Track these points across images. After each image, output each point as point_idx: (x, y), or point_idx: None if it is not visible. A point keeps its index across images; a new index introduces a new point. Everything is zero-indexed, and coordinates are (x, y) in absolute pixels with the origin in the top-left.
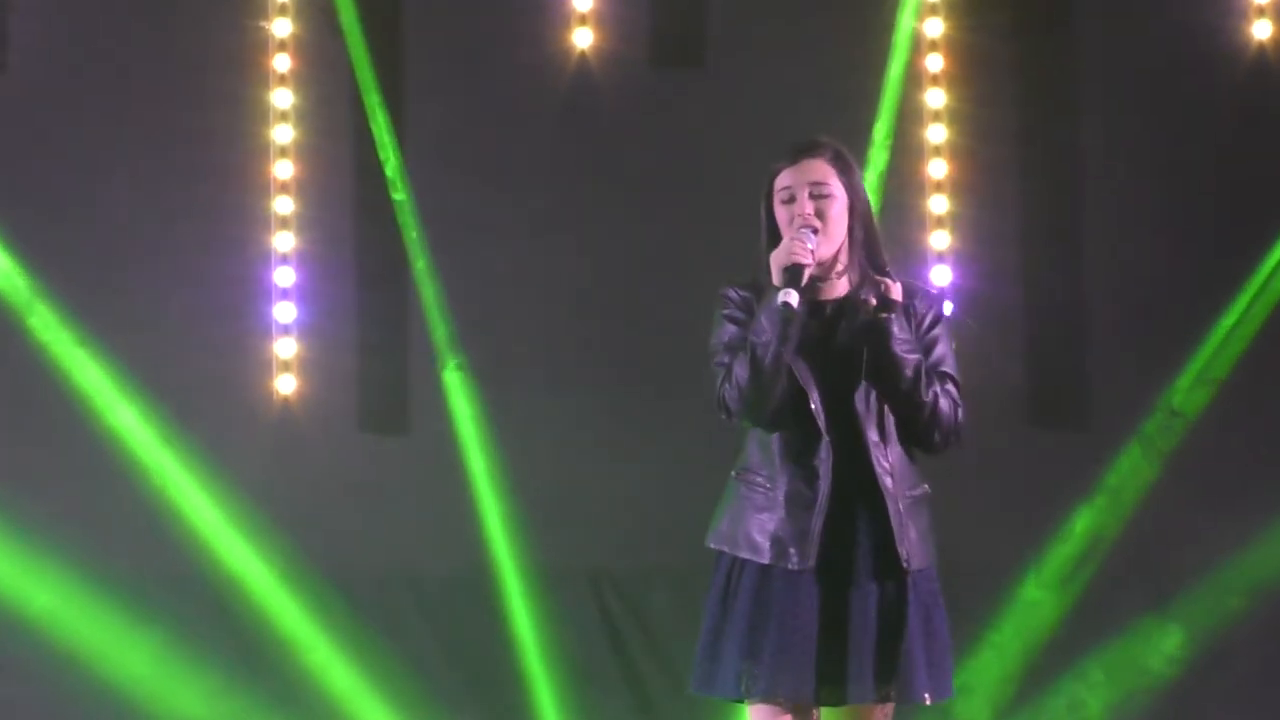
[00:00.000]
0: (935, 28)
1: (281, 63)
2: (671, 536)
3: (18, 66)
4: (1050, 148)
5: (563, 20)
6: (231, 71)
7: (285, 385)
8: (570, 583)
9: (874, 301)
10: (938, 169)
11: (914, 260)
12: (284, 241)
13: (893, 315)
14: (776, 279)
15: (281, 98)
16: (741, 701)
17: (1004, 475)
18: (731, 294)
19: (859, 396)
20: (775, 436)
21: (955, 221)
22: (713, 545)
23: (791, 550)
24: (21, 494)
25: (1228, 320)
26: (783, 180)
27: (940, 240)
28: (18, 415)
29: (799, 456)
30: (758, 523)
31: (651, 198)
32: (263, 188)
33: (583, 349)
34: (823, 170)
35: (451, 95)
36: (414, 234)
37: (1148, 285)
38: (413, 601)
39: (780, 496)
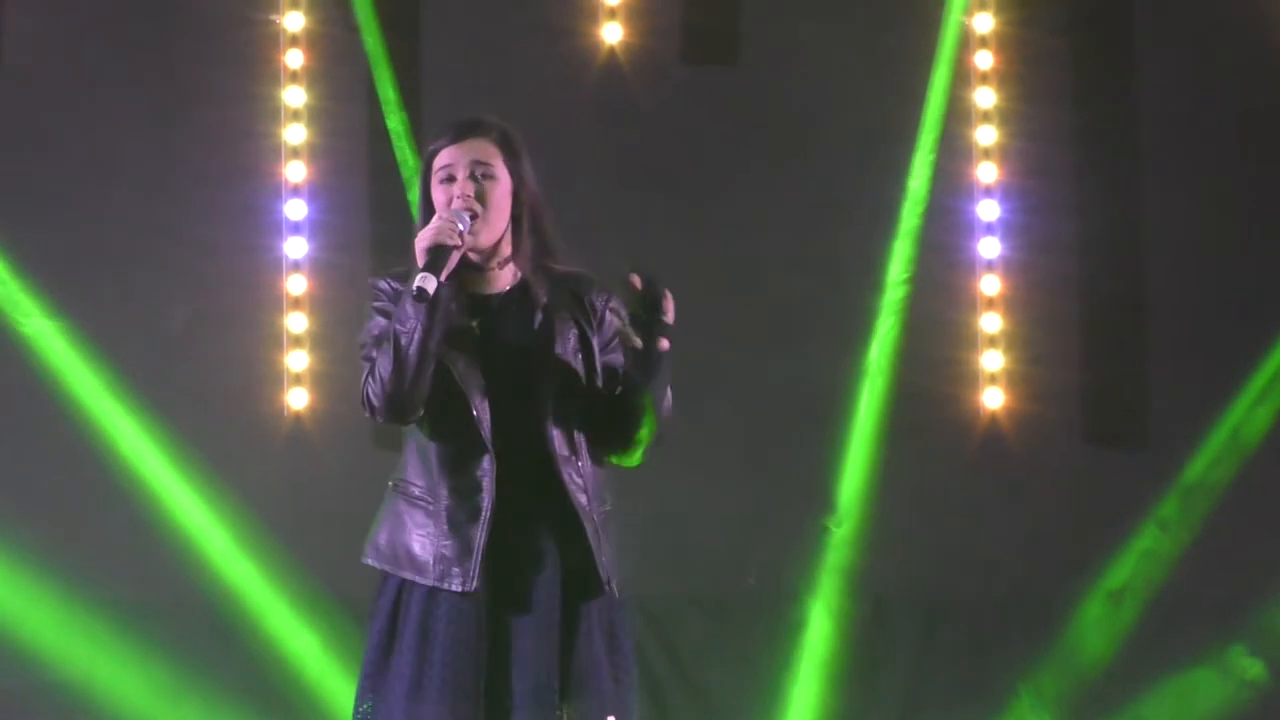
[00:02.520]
0: (985, 23)
1: (294, 59)
2: (702, 561)
3: (13, 60)
4: (1107, 150)
5: (590, 14)
6: (240, 68)
7: (297, 399)
8: None
9: (635, 339)
10: (987, 172)
11: (960, 268)
12: (296, 247)
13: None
14: (419, 261)
15: (293, 96)
16: None
17: (1058, 495)
18: (382, 284)
19: (544, 404)
20: (434, 444)
21: (1005, 228)
22: (371, 563)
23: (455, 570)
24: (16, 514)
25: None
26: (443, 159)
27: (989, 248)
28: (11, 429)
29: (461, 467)
30: (418, 539)
31: (682, 201)
32: (274, 191)
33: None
34: (487, 150)
35: (473, 93)
36: None
37: (1211, 296)
38: None
39: (441, 511)
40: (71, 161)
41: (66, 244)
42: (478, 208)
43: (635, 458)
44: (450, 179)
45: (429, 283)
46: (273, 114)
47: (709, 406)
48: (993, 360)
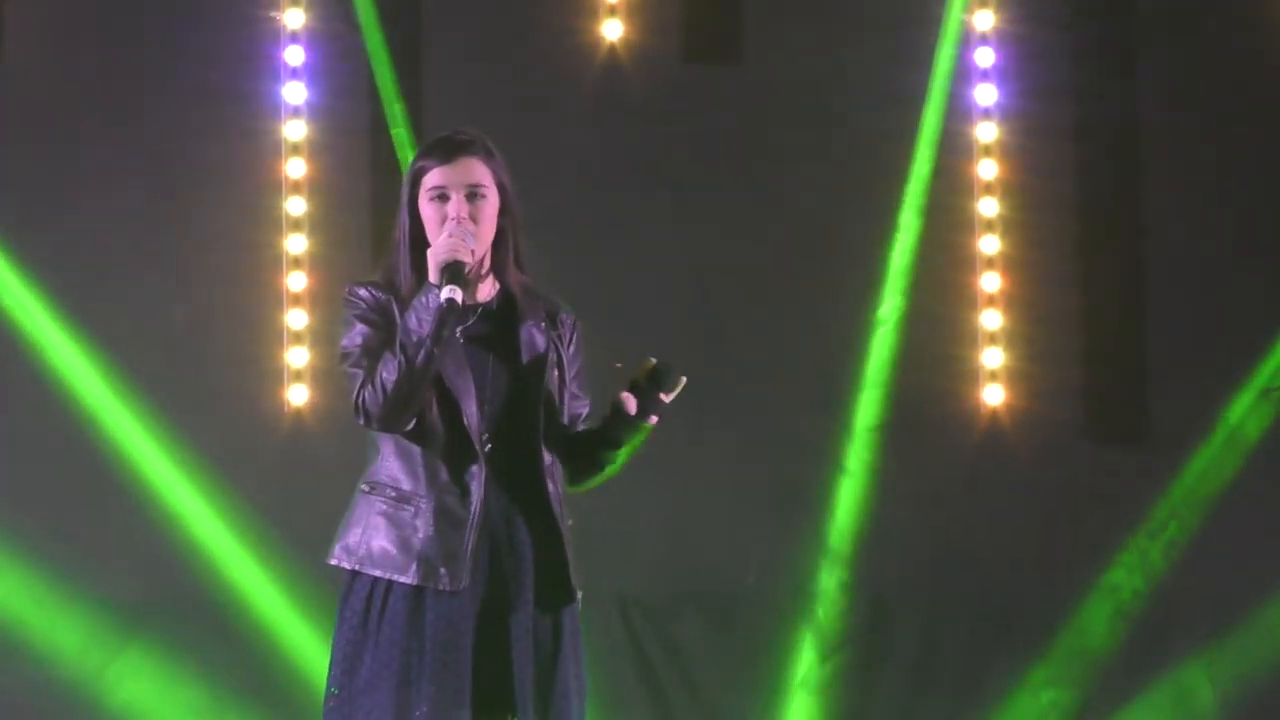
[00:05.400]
0: (985, 20)
1: (294, 55)
2: (702, 561)
3: (14, 58)
4: (1108, 146)
5: (591, 11)
6: (240, 65)
7: (297, 396)
8: (596, 607)
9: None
10: (987, 169)
11: (961, 265)
12: (296, 244)
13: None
14: (435, 276)
15: (294, 92)
16: None
17: (1058, 492)
18: (363, 293)
19: (530, 412)
20: (420, 448)
21: (1005, 225)
22: (342, 564)
23: (442, 570)
24: (17, 511)
25: None
26: (435, 179)
27: (989, 245)
28: (12, 426)
29: (449, 469)
30: (399, 539)
31: (683, 200)
32: (274, 187)
33: (610, 359)
34: (479, 171)
35: (473, 90)
36: None
37: (1211, 292)
38: None
39: (427, 512)
40: (72, 158)
41: (67, 240)
42: (473, 227)
43: (575, 490)
44: (443, 198)
45: (457, 294)
46: (273, 110)
47: (709, 405)
48: (993, 357)
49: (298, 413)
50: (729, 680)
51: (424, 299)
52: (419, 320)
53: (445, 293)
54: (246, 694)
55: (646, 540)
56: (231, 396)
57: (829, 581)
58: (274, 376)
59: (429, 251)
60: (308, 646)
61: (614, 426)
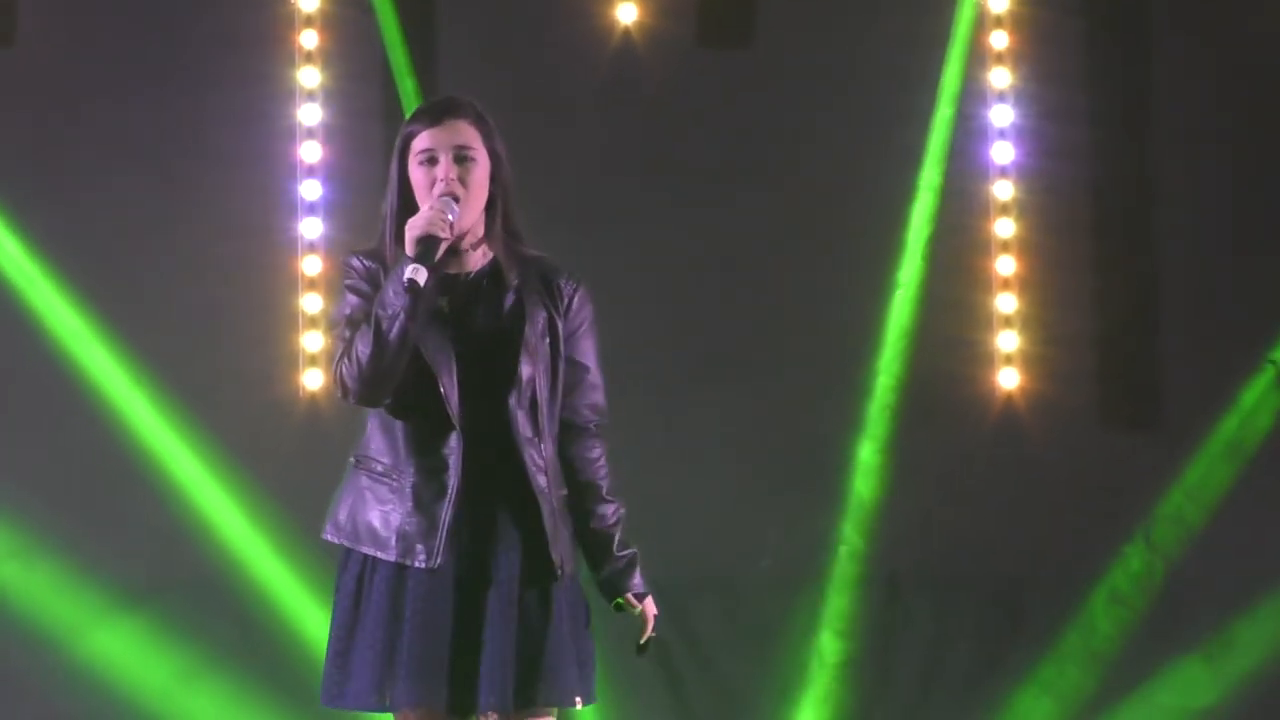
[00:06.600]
0: (1000, 2)
1: (308, 39)
2: (718, 543)
3: (27, 41)
4: (1123, 131)
5: None
6: (255, 49)
7: (313, 380)
8: None
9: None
10: (1002, 153)
11: (976, 248)
12: (311, 228)
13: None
14: (410, 249)
15: (308, 76)
16: (379, 713)
17: (1072, 475)
18: (355, 263)
19: (512, 385)
20: (400, 421)
21: (1020, 209)
22: (331, 539)
23: (419, 547)
24: (34, 498)
25: None
26: (423, 142)
27: (1005, 227)
28: (28, 413)
29: (427, 444)
30: (380, 515)
31: (695, 185)
32: (288, 171)
33: (624, 345)
34: (467, 133)
35: (487, 74)
36: None
37: (1227, 276)
38: None
39: (406, 488)
40: (86, 144)
41: (81, 224)
42: (461, 191)
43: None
44: (432, 161)
45: (420, 274)
46: (287, 95)
47: (723, 389)
48: (1008, 341)
49: (312, 397)
50: (742, 664)
51: (400, 271)
52: (395, 293)
53: (408, 272)
54: (257, 679)
55: (660, 525)
56: (246, 381)
57: (843, 566)
58: (289, 361)
59: (407, 223)
60: (323, 631)
61: (600, 574)
